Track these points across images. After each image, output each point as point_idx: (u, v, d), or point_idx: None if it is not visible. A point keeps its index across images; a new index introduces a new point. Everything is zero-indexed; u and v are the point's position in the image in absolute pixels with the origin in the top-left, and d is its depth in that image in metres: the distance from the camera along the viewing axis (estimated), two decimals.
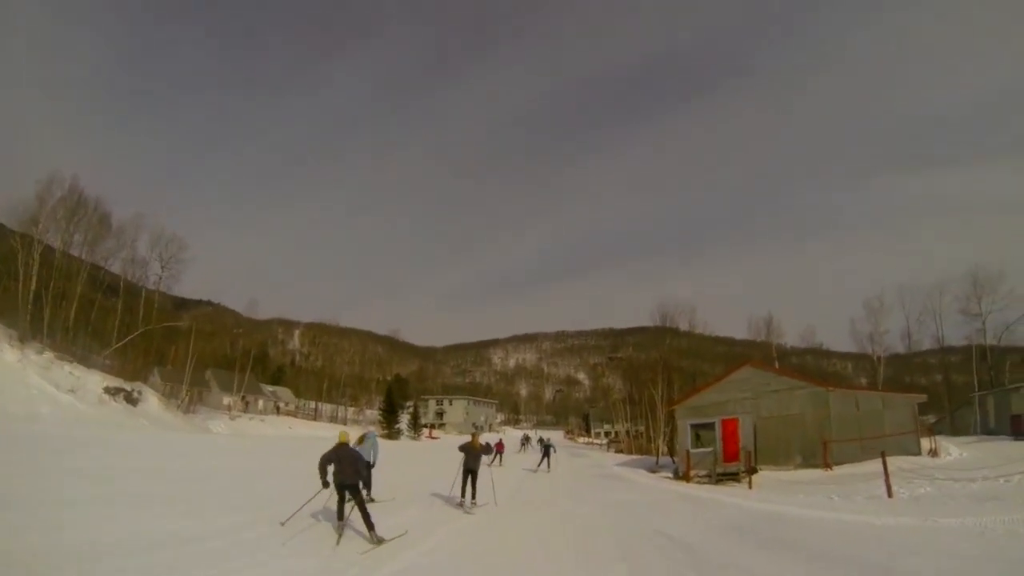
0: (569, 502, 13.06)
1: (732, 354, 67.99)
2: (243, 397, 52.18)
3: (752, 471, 16.91)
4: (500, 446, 25.31)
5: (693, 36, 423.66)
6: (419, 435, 48.28)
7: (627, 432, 41.84)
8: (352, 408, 64.94)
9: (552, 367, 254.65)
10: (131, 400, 28.83)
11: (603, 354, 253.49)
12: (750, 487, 15.34)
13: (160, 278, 47.47)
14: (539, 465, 22.40)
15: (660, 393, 38.71)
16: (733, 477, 16.95)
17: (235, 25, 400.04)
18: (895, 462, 12.61)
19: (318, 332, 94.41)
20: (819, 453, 17.25)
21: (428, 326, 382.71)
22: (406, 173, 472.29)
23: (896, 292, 48.33)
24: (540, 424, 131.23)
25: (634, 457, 35.16)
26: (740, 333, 67.23)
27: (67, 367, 27.94)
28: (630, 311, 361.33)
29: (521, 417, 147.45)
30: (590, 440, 72.82)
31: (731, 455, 18.21)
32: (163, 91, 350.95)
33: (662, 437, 36.28)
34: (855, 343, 46.69)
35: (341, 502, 7.34)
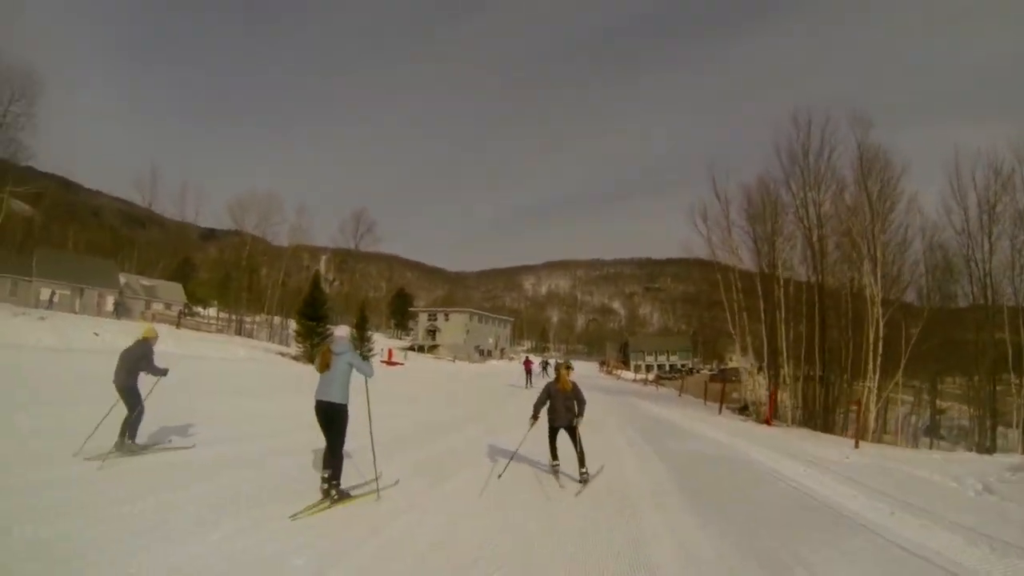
0: None
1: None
2: (81, 291, 34.22)
3: None
4: (528, 364, 25.87)
5: None
6: (366, 357, 29.41)
7: (773, 379, 19.67)
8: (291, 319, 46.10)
9: (586, 295, 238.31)
10: None
11: (639, 284, 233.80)
12: None
13: None
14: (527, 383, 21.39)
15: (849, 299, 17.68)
16: None
17: None
18: None
19: (345, 258, 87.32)
20: None
21: (461, 252, 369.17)
22: (442, 92, 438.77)
23: None
24: (570, 353, 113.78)
25: None
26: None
27: None
28: (667, 243, 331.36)
29: (549, 345, 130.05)
30: (643, 377, 53.56)
31: None
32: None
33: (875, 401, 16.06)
34: None
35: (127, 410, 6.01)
